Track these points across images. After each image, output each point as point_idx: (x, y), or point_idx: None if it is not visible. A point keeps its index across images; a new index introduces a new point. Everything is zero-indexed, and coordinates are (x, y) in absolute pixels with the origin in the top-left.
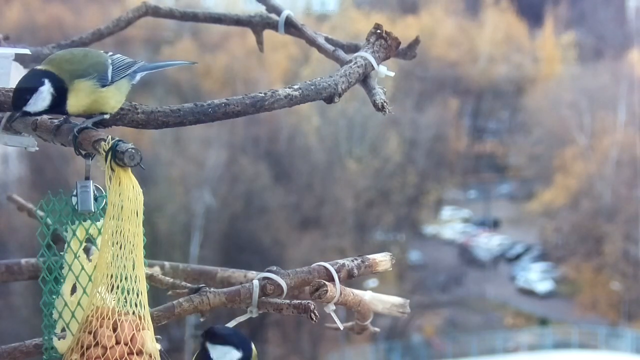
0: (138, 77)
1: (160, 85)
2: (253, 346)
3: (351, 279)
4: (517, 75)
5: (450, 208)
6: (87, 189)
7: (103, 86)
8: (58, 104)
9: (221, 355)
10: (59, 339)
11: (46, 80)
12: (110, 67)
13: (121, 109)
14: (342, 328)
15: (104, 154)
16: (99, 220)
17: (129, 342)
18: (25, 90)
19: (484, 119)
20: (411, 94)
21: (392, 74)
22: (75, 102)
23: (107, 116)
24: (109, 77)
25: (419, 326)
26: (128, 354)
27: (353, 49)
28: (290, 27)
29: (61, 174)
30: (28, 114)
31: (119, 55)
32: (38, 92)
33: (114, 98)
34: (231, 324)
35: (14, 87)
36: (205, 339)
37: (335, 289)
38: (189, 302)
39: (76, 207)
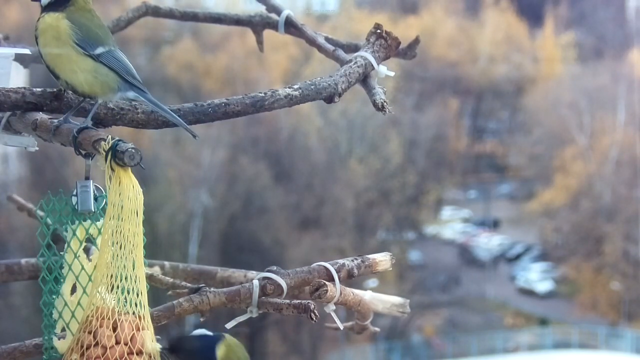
0: (132, 94)
1: (160, 85)
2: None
3: (351, 279)
4: (517, 75)
5: (450, 208)
6: (87, 189)
7: (82, 49)
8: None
9: None
10: (59, 339)
11: None
12: (105, 49)
13: (121, 108)
14: (342, 328)
15: (104, 153)
16: (99, 220)
17: (129, 342)
18: None
19: (484, 119)
20: (411, 94)
21: (392, 73)
22: (46, 28)
23: (100, 100)
24: (95, 51)
25: (419, 326)
26: (128, 354)
27: (353, 48)
28: (291, 27)
29: (61, 174)
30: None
31: (128, 62)
32: None
33: (84, 74)
34: (231, 324)
35: None
36: (169, 348)
37: (335, 289)
38: (189, 302)
39: (76, 207)
